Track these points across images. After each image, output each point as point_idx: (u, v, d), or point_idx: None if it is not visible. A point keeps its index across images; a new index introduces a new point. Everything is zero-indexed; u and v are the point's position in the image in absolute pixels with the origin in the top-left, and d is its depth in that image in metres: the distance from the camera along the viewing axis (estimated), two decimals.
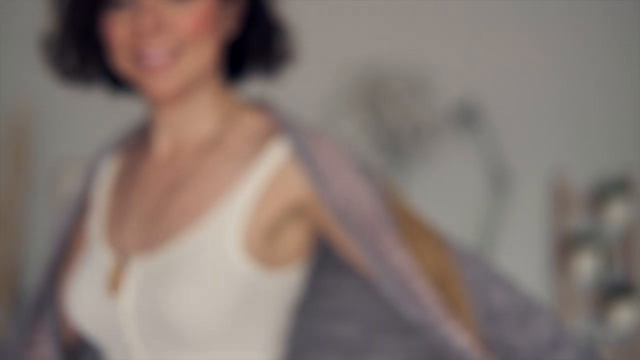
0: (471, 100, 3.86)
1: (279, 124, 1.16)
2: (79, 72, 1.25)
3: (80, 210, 1.28)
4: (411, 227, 1.20)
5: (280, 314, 1.16)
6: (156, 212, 1.18)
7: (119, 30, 1.16)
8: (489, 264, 1.23)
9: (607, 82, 4.02)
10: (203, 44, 1.16)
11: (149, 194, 1.20)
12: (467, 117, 3.84)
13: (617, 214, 3.85)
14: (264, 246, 1.14)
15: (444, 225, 4.40)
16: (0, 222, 3.88)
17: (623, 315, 3.79)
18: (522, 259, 3.91)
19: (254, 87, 1.49)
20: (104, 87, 1.30)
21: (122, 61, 1.17)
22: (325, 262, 1.22)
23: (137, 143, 1.28)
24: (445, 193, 3.96)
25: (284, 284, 1.15)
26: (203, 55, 1.16)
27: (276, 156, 1.14)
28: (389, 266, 1.13)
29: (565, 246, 3.88)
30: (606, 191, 3.87)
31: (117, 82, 1.25)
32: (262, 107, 1.22)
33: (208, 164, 1.19)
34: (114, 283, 1.16)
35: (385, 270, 1.13)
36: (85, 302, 1.19)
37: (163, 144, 1.21)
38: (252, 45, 1.21)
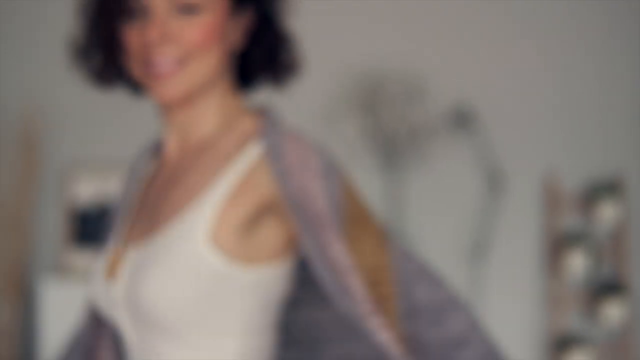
0: (466, 104, 3.92)
1: (262, 127, 1.21)
2: (102, 76, 1.30)
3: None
4: (358, 226, 1.20)
5: (260, 307, 1.19)
6: (154, 206, 1.24)
7: (132, 38, 1.22)
8: (421, 260, 1.24)
9: (598, 87, 4.06)
10: (208, 54, 1.20)
11: (153, 190, 1.27)
12: (462, 120, 3.88)
13: (607, 214, 3.89)
14: (236, 241, 1.18)
15: (439, 224, 4.27)
16: (9, 223, 3.90)
17: (613, 312, 3.83)
18: (515, 257, 3.98)
19: (263, 92, 1.59)
20: (125, 90, 1.36)
21: (134, 67, 1.24)
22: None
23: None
24: (440, 193, 3.99)
25: (263, 279, 1.18)
26: (207, 64, 1.21)
27: (252, 155, 1.18)
28: (327, 258, 1.16)
29: (557, 245, 3.93)
30: (596, 192, 3.92)
31: (137, 86, 1.32)
32: (259, 111, 1.26)
33: (200, 162, 1.24)
34: (111, 271, 1.24)
35: (324, 261, 1.16)
36: (95, 290, 1.27)
37: (172, 144, 1.27)
38: (258, 57, 1.27)
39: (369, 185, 3.92)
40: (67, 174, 4.03)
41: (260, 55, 1.26)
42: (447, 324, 1.19)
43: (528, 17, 4.02)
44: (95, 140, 4.03)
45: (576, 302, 3.94)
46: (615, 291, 3.85)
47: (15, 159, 3.94)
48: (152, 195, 1.27)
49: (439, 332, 1.18)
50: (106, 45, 1.25)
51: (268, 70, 1.27)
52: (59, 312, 3.73)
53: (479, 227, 3.97)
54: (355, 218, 1.19)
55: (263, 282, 1.18)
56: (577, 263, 3.86)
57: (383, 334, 1.15)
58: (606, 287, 3.88)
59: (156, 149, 1.35)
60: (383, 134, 3.88)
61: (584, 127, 4.04)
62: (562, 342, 3.88)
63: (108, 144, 4.04)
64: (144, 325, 1.22)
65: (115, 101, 3.67)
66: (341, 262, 1.16)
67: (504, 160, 3.98)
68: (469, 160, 3.95)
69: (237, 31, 1.24)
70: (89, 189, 4.06)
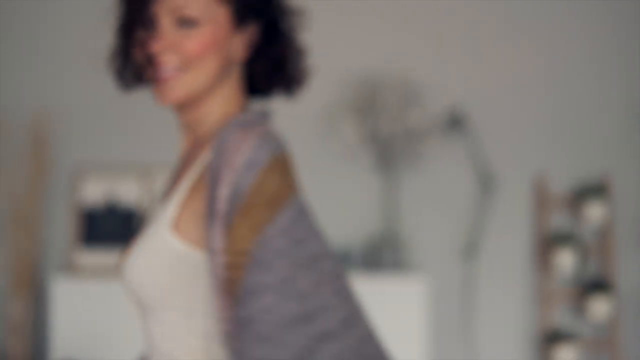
0: (459, 108, 3.97)
1: (228, 124, 1.28)
2: (122, 79, 1.41)
3: None
4: (244, 215, 1.23)
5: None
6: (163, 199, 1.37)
7: (146, 47, 1.34)
8: (311, 251, 1.25)
9: (586, 93, 4.10)
10: (206, 63, 1.29)
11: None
12: (455, 124, 3.92)
13: (594, 214, 3.94)
14: (195, 228, 1.26)
15: (434, 223, 4.36)
16: (21, 222, 3.97)
17: (599, 308, 3.87)
18: (506, 255, 4.02)
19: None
20: (144, 92, 1.46)
21: (146, 72, 1.35)
22: None
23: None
24: (435, 193, 4.04)
25: None
26: (206, 72, 1.30)
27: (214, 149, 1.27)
28: (210, 240, 1.23)
29: (547, 244, 3.97)
30: (584, 194, 3.97)
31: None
32: (254, 114, 1.33)
33: (192, 156, 1.34)
34: (126, 256, 1.37)
35: (208, 242, 1.24)
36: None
37: (185, 141, 1.39)
38: (265, 69, 1.36)
39: (367, 184, 4.00)
40: (76, 176, 4.09)
41: (267, 66, 1.35)
42: (282, 307, 1.21)
43: (519, 25, 4.09)
44: (103, 143, 4.09)
45: (564, 298, 3.99)
46: (602, 288, 3.89)
47: (27, 161, 4.00)
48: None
49: (274, 316, 1.21)
50: (125, 51, 1.36)
51: (276, 80, 1.37)
52: (69, 307, 3.81)
53: (472, 226, 4.01)
54: (247, 208, 1.22)
55: None
56: (566, 261, 3.90)
57: (222, 312, 1.22)
58: (593, 285, 3.93)
59: None
60: (380, 136, 3.94)
61: (572, 132, 4.10)
62: (551, 337, 3.90)
63: (115, 147, 4.10)
64: (140, 306, 1.35)
65: (122, 106, 3.73)
66: (215, 245, 1.22)
67: (496, 163, 4.05)
68: (463, 162, 4.01)
69: (240, 43, 1.33)
70: (97, 191, 4.10)
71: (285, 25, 1.36)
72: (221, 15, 1.31)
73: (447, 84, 3.88)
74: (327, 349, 1.23)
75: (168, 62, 1.30)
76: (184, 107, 1.33)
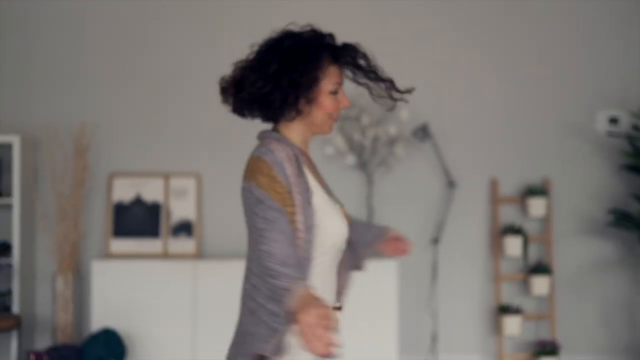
0: (427, 123, 4.16)
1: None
2: (253, 115, 1.84)
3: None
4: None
5: None
6: None
7: (331, 101, 1.81)
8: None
9: (530, 114, 4.32)
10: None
11: None
12: (424, 135, 4.12)
13: (536, 210, 4.19)
14: None
15: (406, 215, 4.46)
16: (66, 216, 4.12)
17: (540, 286, 4.14)
18: (466, 243, 4.27)
19: None
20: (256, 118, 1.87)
21: (321, 115, 1.80)
22: None
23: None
24: (407, 191, 4.24)
25: None
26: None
27: None
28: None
29: (499, 234, 4.20)
30: (528, 193, 4.20)
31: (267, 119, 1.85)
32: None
33: (307, 157, 1.86)
34: (339, 219, 1.83)
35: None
36: (340, 229, 1.83)
37: (303, 149, 1.85)
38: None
39: (351, 182, 4.21)
40: (110, 179, 4.25)
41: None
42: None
43: (478, 53, 4.31)
44: (132, 153, 4.30)
45: (513, 278, 4.21)
46: (542, 270, 4.15)
47: (71, 166, 4.18)
48: None
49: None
50: (298, 96, 1.77)
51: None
52: (104, 286, 4.01)
53: (438, 218, 4.23)
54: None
55: None
56: (514, 248, 4.14)
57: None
58: (535, 267, 4.17)
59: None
60: (363, 143, 4.14)
61: (519, 144, 4.33)
62: (502, 309, 4.13)
63: (141, 156, 4.31)
64: (337, 255, 1.82)
65: (146, 123, 4.28)
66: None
67: (459, 167, 4.27)
68: (431, 166, 4.24)
69: None
70: (126, 191, 4.26)
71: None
72: None
73: (417, 102, 3.93)
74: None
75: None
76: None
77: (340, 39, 1.87)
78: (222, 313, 3.85)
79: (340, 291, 1.84)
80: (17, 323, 3.87)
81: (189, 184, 4.31)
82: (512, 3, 4.39)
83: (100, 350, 3.83)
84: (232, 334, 1.82)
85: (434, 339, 4.21)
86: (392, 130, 4.10)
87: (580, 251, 4.35)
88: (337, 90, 1.79)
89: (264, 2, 4.32)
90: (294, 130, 1.81)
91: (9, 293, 4.08)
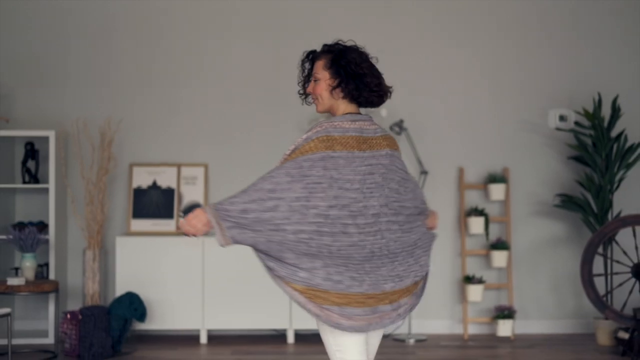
0: (403, 120, 4.42)
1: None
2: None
3: None
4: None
5: None
6: None
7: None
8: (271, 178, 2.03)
9: (492, 110, 4.51)
10: (324, 97, 2.13)
11: None
12: (400, 131, 4.38)
13: (497, 194, 4.43)
14: None
15: None
16: (93, 199, 4.32)
17: (500, 261, 4.40)
18: (439, 222, 4.39)
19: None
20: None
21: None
22: None
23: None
24: None
25: None
26: (324, 100, 2.12)
27: None
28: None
29: (465, 215, 4.43)
30: (490, 180, 4.43)
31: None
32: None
33: None
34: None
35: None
36: None
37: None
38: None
39: None
40: (131, 167, 4.46)
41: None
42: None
43: (443, 60, 4.48)
44: (149, 144, 4.52)
45: (477, 253, 4.44)
46: (502, 246, 4.40)
47: (97, 156, 4.40)
48: None
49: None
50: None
51: None
52: (126, 259, 4.23)
53: None
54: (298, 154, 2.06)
55: None
56: (478, 227, 4.38)
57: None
58: (496, 244, 4.41)
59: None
60: None
61: (483, 137, 4.54)
62: (467, 280, 4.38)
63: (156, 147, 4.51)
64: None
65: (162, 119, 4.65)
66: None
67: (431, 157, 4.47)
68: (405, 157, 4.44)
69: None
70: (145, 179, 4.46)
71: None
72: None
73: (395, 102, 4.19)
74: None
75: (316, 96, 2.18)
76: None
77: (319, 38, 2.27)
78: (227, 281, 4.27)
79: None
80: (55, 287, 4.04)
81: (198, 172, 4.55)
82: (479, 9, 4.55)
83: (125, 310, 4.00)
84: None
85: None
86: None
87: (533, 230, 4.57)
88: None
89: (269, 4, 4.44)
90: None
91: (46, 265, 4.35)
